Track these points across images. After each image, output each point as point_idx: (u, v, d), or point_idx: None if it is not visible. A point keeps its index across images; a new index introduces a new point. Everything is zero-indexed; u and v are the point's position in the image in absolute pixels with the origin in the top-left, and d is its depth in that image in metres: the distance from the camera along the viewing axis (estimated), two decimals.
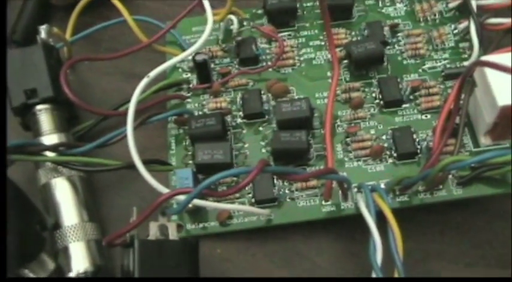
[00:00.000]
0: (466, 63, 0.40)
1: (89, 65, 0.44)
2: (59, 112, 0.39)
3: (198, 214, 0.37)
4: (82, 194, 0.37)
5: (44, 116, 0.38)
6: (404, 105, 0.39)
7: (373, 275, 0.31)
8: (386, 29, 0.41)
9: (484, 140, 0.37)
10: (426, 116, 0.39)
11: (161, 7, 0.47)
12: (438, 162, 0.34)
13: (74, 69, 0.44)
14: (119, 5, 0.42)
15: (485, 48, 0.40)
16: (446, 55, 0.41)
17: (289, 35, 0.42)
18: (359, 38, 0.42)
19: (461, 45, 0.41)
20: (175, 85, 0.41)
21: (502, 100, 0.33)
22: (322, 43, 0.42)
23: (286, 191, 0.37)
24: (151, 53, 0.43)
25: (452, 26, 0.42)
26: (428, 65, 0.40)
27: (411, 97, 0.39)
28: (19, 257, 0.32)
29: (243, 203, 0.37)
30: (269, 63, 0.41)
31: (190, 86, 0.41)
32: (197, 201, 0.34)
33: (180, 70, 0.42)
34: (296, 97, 0.40)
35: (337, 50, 0.41)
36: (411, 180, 0.35)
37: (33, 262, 0.33)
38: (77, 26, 0.44)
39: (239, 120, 0.39)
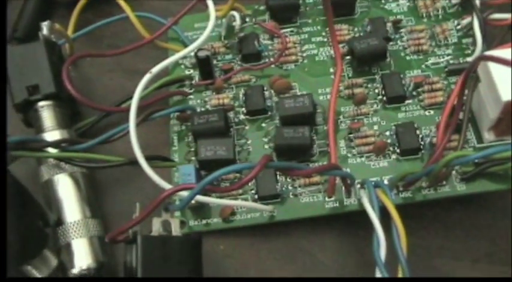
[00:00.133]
0: (469, 59, 0.40)
1: (91, 62, 0.44)
2: (61, 108, 0.39)
3: (200, 210, 0.37)
4: (84, 190, 0.37)
5: (46, 113, 0.38)
6: (407, 101, 0.39)
7: (377, 271, 0.31)
8: (389, 25, 0.41)
9: (488, 136, 0.37)
10: (429, 112, 0.38)
11: (163, 3, 0.46)
12: (442, 158, 0.34)
13: (76, 65, 0.44)
14: (121, 2, 0.42)
15: (488, 44, 0.40)
16: (449, 51, 0.40)
17: (292, 31, 0.42)
18: (361, 34, 0.42)
19: (464, 41, 0.41)
20: (177, 81, 0.41)
21: (506, 95, 0.33)
22: (325, 39, 0.42)
23: (289, 187, 0.37)
24: (153, 50, 0.43)
25: (455, 22, 0.41)
26: (431, 60, 0.40)
27: (414, 93, 0.39)
28: (22, 254, 0.33)
29: (246, 199, 0.37)
30: (271, 59, 0.41)
31: (193, 82, 0.41)
32: (200, 198, 0.34)
33: (182, 66, 0.42)
34: (299, 93, 0.40)
35: (340, 46, 0.41)
36: (414, 176, 0.34)
37: (36, 258, 0.33)
38: (79, 23, 0.44)
39: (242, 117, 0.39)
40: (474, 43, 0.40)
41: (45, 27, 0.40)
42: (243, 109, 0.39)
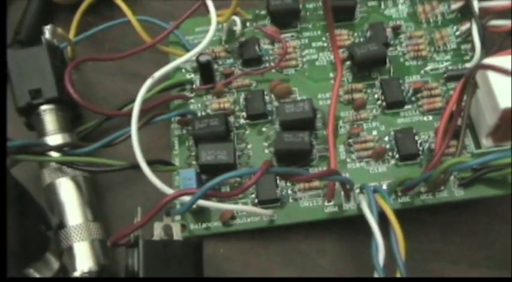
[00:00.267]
0: (468, 65, 0.40)
1: (93, 65, 0.44)
2: (63, 112, 0.39)
3: (201, 214, 0.37)
4: (86, 194, 0.37)
5: (49, 116, 0.38)
6: (406, 107, 0.39)
7: (375, 275, 0.31)
8: (388, 30, 0.42)
9: (486, 142, 0.37)
10: (428, 118, 0.39)
11: (164, 7, 0.47)
12: (440, 163, 0.34)
13: (78, 69, 0.44)
14: (123, 5, 0.42)
15: (487, 50, 0.40)
16: (448, 57, 0.41)
17: (292, 36, 0.43)
18: (361, 40, 0.42)
19: (463, 47, 0.41)
20: (178, 85, 0.41)
21: (504, 102, 0.34)
22: (325, 44, 0.42)
23: (289, 192, 0.37)
24: (154, 53, 0.43)
25: (454, 28, 0.42)
26: (430, 66, 0.41)
27: (413, 98, 0.39)
28: (24, 257, 0.33)
29: (246, 204, 0.37)
30: (272, 64, 0.41)
31: (194, 86, 0.41)
32: (201, 202, 0.34)
33: (183, 70, 0.42)
34: (299, 98, 0.40)
35: (340, 51, 0.41)
36: (413, 182, 0.35)
37: (38, 261, 0.33)
38: (81, 26, 0.45)
39: (242, 121, 0.40)
40: (473, 49, 0.40)
41: (47, 31, 0.40)
42: (244, 113, 0.40)
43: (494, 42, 0.41)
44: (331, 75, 0.41)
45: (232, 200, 0.37)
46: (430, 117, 0.39)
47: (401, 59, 0.41)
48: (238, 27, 0.42)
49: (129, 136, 0.35)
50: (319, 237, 0.38)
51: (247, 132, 0.39)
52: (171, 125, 0.40)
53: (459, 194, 0.36)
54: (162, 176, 0.36)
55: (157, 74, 0.36)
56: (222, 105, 0.40)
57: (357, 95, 0.40)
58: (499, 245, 0.37)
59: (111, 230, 0.38)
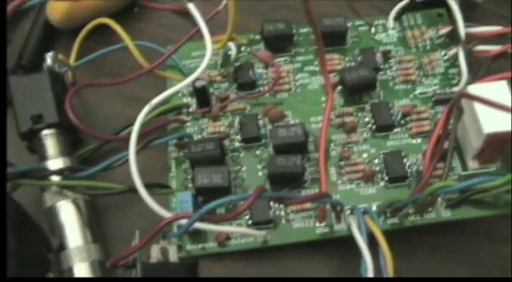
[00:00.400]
0: (455, 89, 0.41)
1: (92, 89, 0.45)
2: (63, 136, 0.40)
3: (197, 235, 0.38)
4: (86, 216, 0.38)
5: (50, 141, 0.39)
6: (395, 130, 0.40)
7: None
8: (378, 55, 0.43)
9: (472, 164, 0.38)
10: (417, 140, 0.40)
11: (162, 32, 0.48)
12: (428, 186, 0.36)
13: (78, 93, 0.45)
14: (120, 31, 0.43)
15: (474, 74, 0.41)
16: (437, 81, 0.42)
17: (286, 60, 0.44)
18: (353, 64, 0.43)
19: (450, 71, 0.42)
20: (175, 109, 0.42)
21: (488, 127, 0.35)
22: (317, 68, 0.43)
23: (282, 213, 0.38)
24: (152, 77, 0.44)
25: (443, 52, 0.43)
26: (419, 90, 0.42)
27: (402, 122, 0.40)
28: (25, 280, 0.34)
29: (240, 225, 0.38)
30: (266, 88, 0.43)
31: (190, 110, 0.42)
32: (197, 224, 0.35)
33: (180, 94, 0.43)
34: (292, 122, 0.41)
35: (332, 75, 0.42)
36: (401, 204, 0.36)
37: None
38: (81, 51, 0.46)
39: (237, 144, 0.41)
40: (460, 73, 0.41)
41: (49, 58, 0.41)
42: (239, 137, 0.41)
43: (482, 65, 0.42)
44: (323, 99, 0.42)
45: (229, 221, 0.38)
46: (419, 140, 0.40)
47: (391, 83, 0.42)
48: (233, 53, 0.43)
49: (128, 160, 0.37)
50: (311, 256, 0.39)
51: (241, 155, 0.41)
52: (168, 148, 0.41)
53: (446, 214, 0.37)
54: (159, 198, 0.37)
55: (155, 101, 0.38)
56: (217, 129, 0.41)
57: (348, 119, 0.41)
58: (487, 264, 0.38)
59: (111, 251, 0.39)
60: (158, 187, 0.38)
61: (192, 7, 0.40)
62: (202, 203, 0.38)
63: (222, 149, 0.40)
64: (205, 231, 0.38)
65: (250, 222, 0.38)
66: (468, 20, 0.43)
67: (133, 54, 0.43)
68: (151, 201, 0.35)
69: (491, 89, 0.36)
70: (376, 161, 0.39)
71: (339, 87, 0.42)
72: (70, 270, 0.36)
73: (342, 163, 0.39)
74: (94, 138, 0.41)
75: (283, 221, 0.38)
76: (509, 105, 0.28)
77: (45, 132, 0.40)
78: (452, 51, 0.43)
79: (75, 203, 0.38)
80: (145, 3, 0.49)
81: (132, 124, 0.37)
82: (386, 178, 0.39)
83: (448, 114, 0.36)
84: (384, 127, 0.40)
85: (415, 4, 0.45)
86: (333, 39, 0.44)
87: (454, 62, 0.43)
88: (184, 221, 0.32)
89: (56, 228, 0.38)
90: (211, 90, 0.43)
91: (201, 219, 0.31)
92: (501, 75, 0.38)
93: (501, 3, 0.48)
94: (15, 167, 0.35)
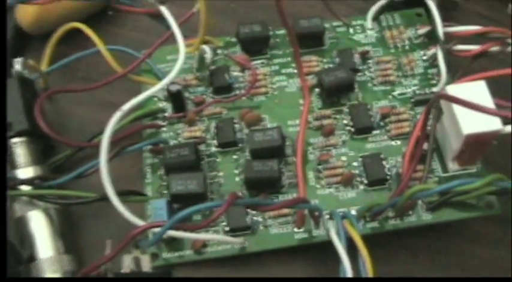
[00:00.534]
0: (435, 89, 0.41)
1: (66, 95, 0.44)
2: (34, 144, 0.39)
3: (174, 243, 0.37)
4: (58, 226, 0.37)
5: (19, 149, 0.38)
6: (374, 132, 0.40)
7: None
8: (356, 56, 0.42)
9: (452, 166, 0.38)
10: (396, 142, 0.39)
11: (136, 36, 0.47)
12: (408, 188, 0.35)
13: (50, 98, 0.44)
14: (93, 35, 0.42)
15: (453, 74, 0.41)
16: (416, 81, 0.42)
17: (262, 62, 0.43)
18: (331, 65, 0.43)
19: (430, 71, 0.42)
20: (150, 114, 0.42)
21: (467, 128, 0.34)
22: (295, 71, 0.43)
23: (259, 219, 0.37)
24: (126, 82, 0.43)
25: (422, 52, 0.43)
26: (398, 91, 0.41)
27: (381, 123, 0.40)
28: None
29: (217, 232, 0.37)
30: (243, 91, 0.42)
31: (166, 115, 0.42)
32: (171, 232, 0.34)
33: (155, 99, 0.42)
34: (269, 125, 0.40)
35: (309, 77, 0.42)
36: (380, 208, 0.35)
37: None
38: (54, 55, 0.45)
39: (213, 149, 0.40)
40: (440, 73, 0.41)
41: (18, 63, 0.40)
42: (215, 141, 0.40)
43: (461, 65, 0.42)
44: (301, 101, 0.41)
45: (203, 228, 0.37)
46: (399, 142, 0.39)
47: (370, 84, 0.42)
48: (208, 56, 0.43)
49: None
50: (290, 262, 0.38)
51: (218, 160, 0.40)
52: (143, 154, 0.41)
53: (427, 217, 0.37)
54: (135, 205, 0.36)
55: (126, 107, 0.36)
56: (193, 134, 0.40)
57: (326, 121, 0.40)
58: (469, 267, 0.38)
59: (85, 261, 0.38)
60: (133, 194, 0.37)
61: (164, 10, 0.39)
62: (178, 210, 0.38)
63: (197, 154, 0.39)
64: (182, 239, 0.37)
65: (227, 229, 0.37)
66: (448, 19, 0.43)
67: (106, 58, 0.42)
68: (123, 210, 0.34)
69: (470, 89, 0.35)
70: (355, 164, 0.39)
71: (317, 90, 0.41)
72: None
73: (320, 167, 0.39)
74: (67, 145, 0.40)
75: (261, 227, 0.37)
76: (487, 105, 0.27)
77: (14, 140, 0.39)
78: (431, 51, 0.42)
79: (47, 212, 0.37)
80: (119, 6, 0.47)
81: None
82: (365, 181, 0.38)
83: (426, 115, 0.36)
84: (362, 129, 0.40)
85: (394, 3, 0.45)
86: (310, 41, 0.43)
87: (433, 62, 0.42)
88: (158, 230, 0.31)
89: (26, 239, 0.36)
90: (187, 94, 0.42)
91: (175, 227, 0.30)
92: (480, 75, 0.37)
93: (480, 2, 0.48)
94: None
